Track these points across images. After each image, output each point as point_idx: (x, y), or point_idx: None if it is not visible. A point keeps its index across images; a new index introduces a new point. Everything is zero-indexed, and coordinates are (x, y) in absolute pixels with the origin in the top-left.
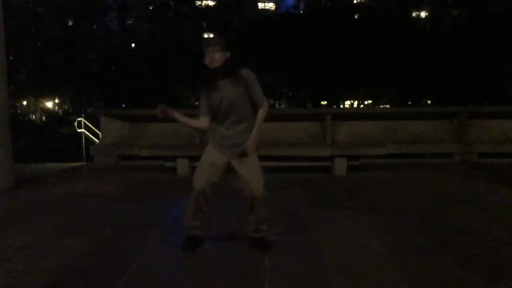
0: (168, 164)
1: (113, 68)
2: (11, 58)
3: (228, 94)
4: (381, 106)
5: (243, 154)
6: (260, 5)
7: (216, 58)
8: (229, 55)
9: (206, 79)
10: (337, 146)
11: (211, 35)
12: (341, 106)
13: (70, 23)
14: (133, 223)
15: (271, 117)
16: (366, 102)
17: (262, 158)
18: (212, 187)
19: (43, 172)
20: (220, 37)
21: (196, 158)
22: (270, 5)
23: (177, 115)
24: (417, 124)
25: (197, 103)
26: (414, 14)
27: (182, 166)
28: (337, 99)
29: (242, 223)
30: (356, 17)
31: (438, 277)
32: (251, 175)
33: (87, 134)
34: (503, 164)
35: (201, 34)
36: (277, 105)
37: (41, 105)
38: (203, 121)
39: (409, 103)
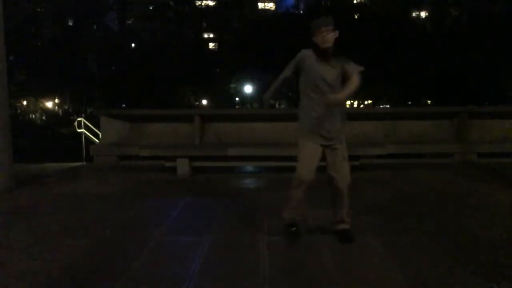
0: (168, 164)
1: (113, 68)
2: (11, 58)
3: (332, 75)
4: (381, 106)
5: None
6: (260, 5)
7: (329, 38)
8: (337, 35)
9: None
10: None
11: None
12: None
13: (70, 23)
14: (133, 223)
15: (271, 118)
16: (366, 102)
17: (263, 158)
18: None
19: (43, 172)
20: (331, 17)
21: (196, 158)
22: (270, 5)
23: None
24: (417, 124)
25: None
26: (414, 14)
27: (182, 166)
28: None
29: (242, 223)
30: (356, 17)
31: (438, 277)
32: (341, 165)
33: (87, 134)
34: (503, 164)
35: (201, 34)
36: (277, 105)
37: (41, 105)
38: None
39: (409, 103)
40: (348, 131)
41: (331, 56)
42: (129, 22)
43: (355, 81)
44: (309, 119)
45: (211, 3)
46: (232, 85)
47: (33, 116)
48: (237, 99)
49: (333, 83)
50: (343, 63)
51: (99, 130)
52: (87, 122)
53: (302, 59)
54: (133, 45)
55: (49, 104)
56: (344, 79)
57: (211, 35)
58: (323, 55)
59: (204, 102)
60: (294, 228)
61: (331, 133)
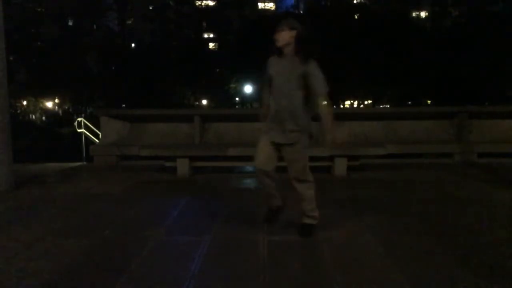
0: (168, 164)
1: (113, 68)
2: (11, 58)
3: (286, 73)
4: (381, 106)
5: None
6: (260, 5)
7: (281, 37)
8: (293, 35)
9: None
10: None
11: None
12: (341, 106)
13: (70, 23)
14: (133, 223)
15: None
16: (366, 102)
17: None
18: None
19: (43, 172)
20: (291, 20)
21: (196, 158)
22: (270, 5)
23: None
24: (417, 124)
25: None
26: (414, 14)
27: (182, 166)
28: (337, 99)
29: (242, 223)
30: (356, 17)
31: (438, 277)
32: (292, 162)
33: (87, 134)
34: (503, 164)
35: (201, 34)
36: None
37: (41, 105)
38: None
39: (409, 103)
40: (348, 131)
41: (287, 55)
42: (129, 22)
43: (328, 111)
44: (270, 116)
45: (211, 3)
46: (232, 85)
47: (33, 116)
48: (237, 99)
49: (288, 81)
50: (307, 68)
51: (99, 130)
52: (87, 122)
53: (267, 68)
54: (133, 45)
55: (49, 104)
56: (307, 88)
57: (211, 35)
58: (278, 53)
59: (204, 102)
60: (270, 213)
61: (285, 133)
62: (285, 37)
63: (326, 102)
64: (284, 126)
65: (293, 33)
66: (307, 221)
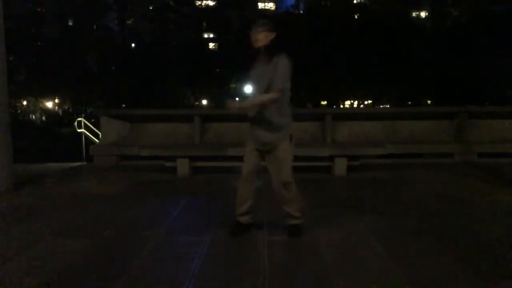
0: (168, 164)
1: (113, 68)
2: (11, 58)
3: (262, 75)
4: (381, 106)
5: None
6: (260, 5)
7: (258, 38)
8: (272, 36)
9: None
10: (337, 146)
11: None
12: (341, 106)
13: (70, 23)
14: (133, 223)
15: None
16: (366, 102)
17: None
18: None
19: (43, 172)
20: (267, 20)
21: (196, 158)
22: (270, 5)
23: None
24: (417, 124)
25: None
26: (414, 14)
27: (182, 166)
28: (337, 99)
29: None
30: (356, 17)
31: (438, 277)
32: (274, 167)
33: (87, 134)
34: (503, 164)
35: (201, 34)
36: None
37: (41, 105)
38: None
39: (409, 103)
40: (348, 131)
41: (264, 56)
42: (129, 22)
43: (264, 98)
44: (250, 122)
45: (211, 3)
46: (232, 85)
47: (33, 116)
48: (237, 99)
49: (263, 83)
50: (275, 66)
51: (99, 130)
52: (87, 122)
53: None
54: (133, 45)
55: (49, 104)
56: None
57: (211, 35)
58: (255, 54)
59: (204, 102)
60: (234, 227)
61: (265, 140)
62: (266, 37)
63: (270, 96)
64: (261, 133)
65: (272, 35)
66: (295, 221)
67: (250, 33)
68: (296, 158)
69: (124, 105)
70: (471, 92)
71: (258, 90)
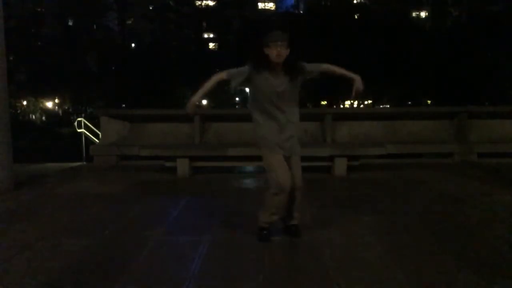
0: (168, 164)
1: (113, 68)
2: (11, 58)
3: (281, 88)
4: (381, 106)
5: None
6: (260, 5)
7: (283, 54)
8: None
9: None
10: (337, 146)
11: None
12: (341, 106)
13: (70, 23)
14: (133, 223)
15: None
16: (366, 102)
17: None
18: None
19: (43, 172)
20: (288, 34)
21: (196, 158)
22: (270, 5)
23: (196, 98)
24: (417, 124)
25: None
26: (414, 14)
27: (182, 166)
28: (337, 99)
29: (242, 223)
30: (356, 17)
31: (438, 277)
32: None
33: (87, 134)
34: (503, 164)
35: (201, 34)
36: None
37: (41, 105)
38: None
39: (409, 103)
40: (348, 131)
41: (280, 69)
42: (129, 22)
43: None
44: (270, 133)
45: (211, 3)
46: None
47: (33, 116)
48: (237, 99)
49: (284, 95)
50: (299, 72)
51: (99, 130)
52: (87, 122)
53: (253, 72)
54: (133, 45)
55: (49, 104)
56: (327, 74)
57: (211, 35)
58: (273, 68)
59: (204, 102)
60: (266, 232)
61: (288, 144)
62: (285, 55)
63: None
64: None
65: (288, 51)
66: (296, 222)
67: (268, 46)
68: None
69: (124, 105)
70: (471, 92)
71: (271, 100)
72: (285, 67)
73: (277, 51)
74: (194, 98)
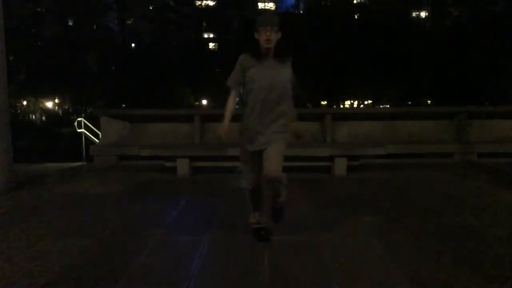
0: (168, 164)
1: (113, 68)
2: (11, 58)
3: (274, 76)
4: (381, 106)
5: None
6: (260, 5)
7: (273, 38)
8: (279, 36)
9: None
10: (337, 146)
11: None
12: (341, 106)
13: (70, 23)
14: (133, 223)
15: None
16: (366, 102)
17: None
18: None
19: (43, 172)
20: (278, 17)
21: (196, 158)
22: (270, 5)
23: (227, 121)
24: (417, 124)
25: (197, 103)
26: (414, 14)
27: (182, 166)
28: (337, 99)
29: (242, 223)
30: (356, 17)
31: (438, 277)
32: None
33: (87, 134)
34: (503, 164)
35: (201, 34)
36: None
37: (41, 105)
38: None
39: (409, 103)
40: (348, 131)
41: (271, 56)
42: (129, 22)
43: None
44: (248, 129)
45: (211, 3)
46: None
47: (33, 116)
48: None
49: (276, 84)
50: (288, 67)
51: (99, 130)
52: (87, 122)
53: (245, 66)
54: (133, 45)
55: (49, 104)
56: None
57: (211, 35)
58: (263, 55)
59: (204, 102)
60: (263, 232)
61: (262, 140)
62: (275, 39)
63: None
64: None
65: (280, 34)
66: (279, 205)
67: (259, 29)
68: (296, 158)
69: (124, 105)
70: (471, 92)
71: (266, 91)
72: (276, 54)
73: (267, 36)
74: (226, 122)
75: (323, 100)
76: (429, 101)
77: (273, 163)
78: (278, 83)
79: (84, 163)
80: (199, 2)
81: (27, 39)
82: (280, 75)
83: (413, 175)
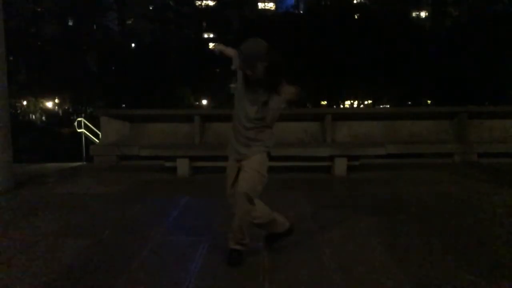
0: (168, 164)
1: (113, 68)
2: (11, 58)
3: (253, 108)
4: (381, 106)
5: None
6: (260, 5)
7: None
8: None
9: None
10: (337, 146)
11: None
12: (341, 106)
13: (70, 23)
14: (133, 223)
15: None
16: (366, 102)
17: None
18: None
19: (43, 172)
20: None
21: (196, 158)
22: (270, 5)
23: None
24: (417, 124)
25: (197, 103)
26: (414, 14)
27: (182, 166)
28: (337, 99)
29: None
30: (356, 17)
31: (438, 277)
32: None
33: (87, 134)
34: (503, 164)
35: (201, 34)
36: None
37: (41, 105)
38: None
39: (409, 103)
40: (348, 131)
41: (257, 84)
42: (129, 22)
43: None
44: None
45: (211, 3)
46: (232, 85)
47: (33, 116)
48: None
49: (254, 116)
50: (274, 100)
51: (99, 130)
52: (87, 122)
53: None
54: (133, 45)
55: (49, 104)
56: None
57: (211, 35)
58: (249, 84)
59: (204, 102)
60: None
61: (242, 150)
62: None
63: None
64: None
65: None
66: (238, 247)
67: (245, 57)
68: (296, 158)
69: (124, 105)
70: (471, 92)
71: (244, 112)
72: (261, 83)
73: (249, 65)
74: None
75: (323, 100)
76: (429, 101)
77: (245, 176)
78: (251, 113)
79: (84, 163)
80: (199, 2)
81: (27, 39)
82: (257, 105)
83: (413, 175)
